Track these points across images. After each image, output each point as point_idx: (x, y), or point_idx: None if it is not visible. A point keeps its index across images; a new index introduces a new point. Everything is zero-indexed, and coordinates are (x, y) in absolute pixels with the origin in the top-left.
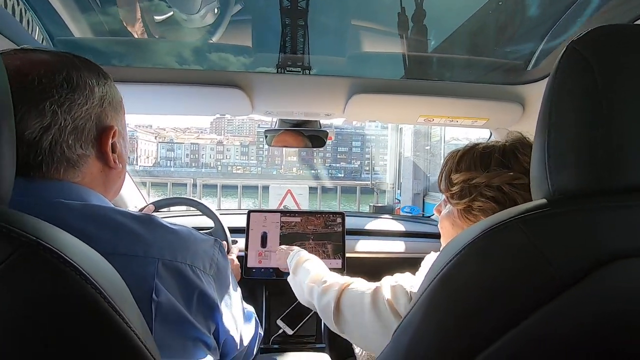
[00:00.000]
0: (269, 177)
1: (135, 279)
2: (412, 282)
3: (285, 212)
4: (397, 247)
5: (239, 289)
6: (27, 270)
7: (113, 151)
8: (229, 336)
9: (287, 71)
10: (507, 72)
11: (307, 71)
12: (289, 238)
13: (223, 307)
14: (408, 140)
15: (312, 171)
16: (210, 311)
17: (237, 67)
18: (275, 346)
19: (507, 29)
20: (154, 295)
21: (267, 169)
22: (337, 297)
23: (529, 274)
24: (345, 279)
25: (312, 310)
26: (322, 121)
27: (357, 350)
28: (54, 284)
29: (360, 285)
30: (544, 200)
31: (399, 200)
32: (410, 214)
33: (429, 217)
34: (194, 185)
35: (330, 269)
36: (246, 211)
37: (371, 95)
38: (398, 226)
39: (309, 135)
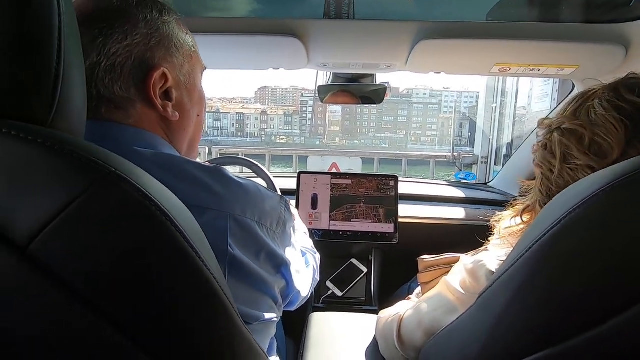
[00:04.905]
0: (312, 147)
1: (210, 232)
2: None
3: (336, 174)
4: (453, 213)
5: (299, 241)
6: (107, 204)
7: (169, 99)
8: (296, 290)
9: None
10: (605, 8)
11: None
12: (339, 200)
13: (290, 263)
14: (537, 90)
15: (356, 141)
16: (279, 268)
17: (291, 14)
18: (322, 305)
19: None
20: (229, 248)
21: (310, 139)
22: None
23: None
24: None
25: (361, 273)
26: (378, 77)
27: None
28: (137, 219)
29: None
30: None
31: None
32: (465, 180)
33: (485, 184)
34: (210, 154)
35: (382, 233)
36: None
37: (440, 41)
38: (454, 192)
39: (365, 90)
